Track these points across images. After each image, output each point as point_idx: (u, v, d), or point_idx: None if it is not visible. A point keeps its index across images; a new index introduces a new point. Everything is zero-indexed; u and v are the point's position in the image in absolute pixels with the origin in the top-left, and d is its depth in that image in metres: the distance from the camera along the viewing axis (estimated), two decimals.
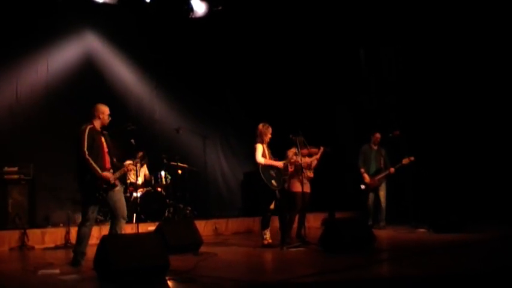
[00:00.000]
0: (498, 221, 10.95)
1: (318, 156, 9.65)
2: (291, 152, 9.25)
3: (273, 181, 8.65)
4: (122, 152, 7.87)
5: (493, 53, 12.05)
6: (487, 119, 12.10)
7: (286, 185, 9.39)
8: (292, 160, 9.07)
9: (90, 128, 7.15)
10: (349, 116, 15.02)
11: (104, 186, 7.06)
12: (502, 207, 11.31)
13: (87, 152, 6.98)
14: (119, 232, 7.18)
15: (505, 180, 11.60)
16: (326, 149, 9.72)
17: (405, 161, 11.22)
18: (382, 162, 11.46)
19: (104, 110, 7.37)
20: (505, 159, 11.79)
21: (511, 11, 11.54)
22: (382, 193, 11.44)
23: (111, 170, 7.24)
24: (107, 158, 7.26)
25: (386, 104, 14.12)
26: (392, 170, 11.29)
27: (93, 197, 7.07)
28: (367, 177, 11.43)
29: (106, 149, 7.29)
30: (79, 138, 7.04)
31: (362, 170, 11.48)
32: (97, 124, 7.30)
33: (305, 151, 9.44)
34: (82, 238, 7.20)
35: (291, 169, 9.33)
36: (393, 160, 11.45)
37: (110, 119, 7.42)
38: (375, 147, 11.63)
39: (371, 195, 11.48)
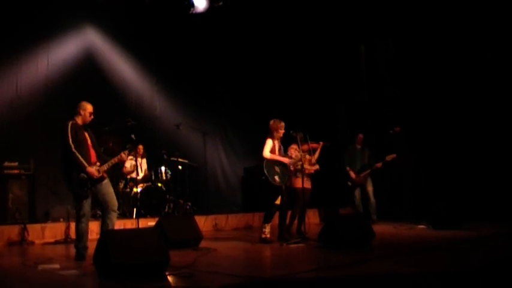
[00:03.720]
0: (497, 218, 10.95)
1: (317, 151, 9.68)
2: (292, 148, 9.26)
3: (276, 177, 8.66)
4: (122, 148, 7.83)
5: (493, 48, 12.04)
6: (485, 115, 12.09)
7: (287, 182, 9.40)
8: (298, 159, 9.09)
9: (72, 124, 7.23)
10: (347, 114, 15.06)
11: (92, 179, 7.11)
12: (501, 204, 11.32)
13: (73, 146, 7.06)
14: (111, 225, 7.19)
15: (504, 177, 11.60)
16: (326, 144, 9.76)
17: (388, 157, 11.53)
18: (366, 160, 11.81)
19: (86, 107, 7.39)
20: (504, 156, 11.78)
21: (508, 4, 11.53)
22: (370, 189, 11.79)
23: (98, 164, 7.27)
24: (92, 152, 7.32)
25: (386, 101, 14.13)
26: (379, 164, 11.59)
27: (82, 192, 7.12)
28: (353, 175, 11.77)
29: (90, 143, 7.35)
30: (63, 133, 7.13)
31: (348, 168, 11.82)
32: (79, 120, 7.35)
33: (305, 147, 9.45)
34: (81, 234, 7.22)
35: (292, 167, 9.34)
36: (384, 158, 11.60)
37: (92, 117, 7.42)
38: (359, 147, 12.00)
39: (357, 192, 11.85)
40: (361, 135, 12.04)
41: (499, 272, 6.00)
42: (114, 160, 7.43)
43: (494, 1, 11.80)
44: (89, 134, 7.40)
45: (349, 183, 11.78)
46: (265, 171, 8.60)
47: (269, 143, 8.81)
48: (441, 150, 12.47)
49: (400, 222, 11.25)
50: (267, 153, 8.73)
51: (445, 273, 5.93)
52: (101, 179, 7.24)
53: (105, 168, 7.32)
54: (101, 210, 7.68)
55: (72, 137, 7.09)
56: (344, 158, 11.98)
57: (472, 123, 12.17)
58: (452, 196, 11.64)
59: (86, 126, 7.42)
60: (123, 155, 7.51)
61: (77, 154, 7.04)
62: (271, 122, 8.92)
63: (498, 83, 11.97)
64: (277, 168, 8.74)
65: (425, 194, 12.40)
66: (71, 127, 7.16)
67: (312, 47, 14.42)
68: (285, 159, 8.84)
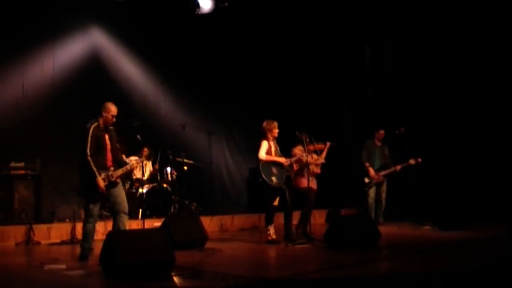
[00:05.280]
0: (503, 218, 10.92)
1: (324, 152, 9.71)
2: (297, 149, 9.28)
3: (273, 178, 8.67)
4: (128, 148, 7.88)
5: (497, 49, 12.01)
6: (492, 114, 12.06)
7: (293, 183, 9.40)
8: (299, 157, 9.09)
9: (94, 127, 7.25)
10: (350, 113, 15.06)
11: (103, 191, 7.16)
12: (507, 204, 11.29)
13: (89, 153, 7.11)
14: (121, 227, 7.22)
15: (510, 177, 11.57)
16: (332, 144, 9.76)
17: (412, 161, 11.24)
18: (386, 159, 11.46)
19: (110, 109, 7.39)
20: (510, 155, 11.74)
21: (508, 4, 11.50)
22: (384, 191, 11.46)
23: (112, 168, 7.32)
24: (109, 156, 7.36)
25: (390, 101, 14.11)
26: (398, 167, 11.29)
27: (91, 195, 7.18)
28: (372, 172, 11.34)
29: (109, 147, 7.38)
30: (84, 137, 7.17)
31: (367, 164, 11.39)
32: (101, 122, 7.37)
33: (311, 147, 9.48)
34: (87, 235, 7.28)
35: (296, 167, 9.32)
36: (397, 157, 11.46)
37: (114, 120, 7.43)
38: (379, 144, 11.61)
39: (373, 190, 11.41)
40: (382, 131, 11.56)
41: (501, 272, 6.00)
42: (128, 167, 7.53)
43: (495, 1, 11.77)
44: (110, 136, 7.43)
45: (367, 180, 11.35)
46: (262, 173, 8.62)
47: (264, 145, 8.82)
48: (446, 149, 12.45)
49: (405, 222, 11.23)
50: (262, 154, 8.74)
51: (448, 272, 5.93)
52: (113, 184, 7.28)
53: (119, 173, 7.37)
54: (111, 212, 7.75)
55: (91, 143, 7.14)
56: (362, 153, 11.53)
57: (477, 122, 12.13)
58: (458, 196, 11.59)
59: (108, 127, 7.43)
60: (134, 163, 7.58)
61: (91, 162, 7.09)
62: (264, 123, 8.95)
63: (500, 82, 11.94)
64: (274, 169, 8.75)
65: (429, 194, 12.37)
66: (92, 131, 7.20)
67: (316, 46, 14.40)
68: (282, 159, 8.85)
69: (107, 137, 7.37)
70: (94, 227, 7.37)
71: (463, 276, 5.78)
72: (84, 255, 7.19)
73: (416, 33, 13.12)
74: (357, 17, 13.66)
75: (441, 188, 12.26)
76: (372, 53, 14.72)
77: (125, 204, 7.36)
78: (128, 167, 7.55)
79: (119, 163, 7.48)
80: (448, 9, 12.29)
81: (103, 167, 7.22)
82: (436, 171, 12.48)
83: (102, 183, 7.13)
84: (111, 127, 7.49)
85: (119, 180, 7.38)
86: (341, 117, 15.30)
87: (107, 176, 7.23)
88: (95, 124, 7.28)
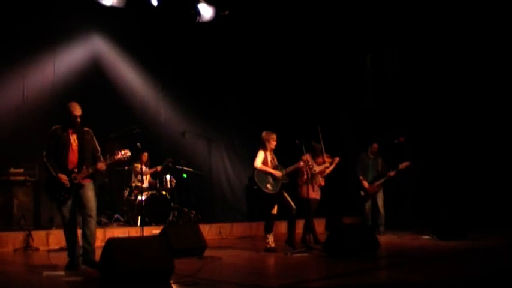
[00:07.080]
0: (502, 228, 10.92)
1: (332, 166, 9.80)
2: (306, 156, 9.32)
3: (268, 185, 8.73)
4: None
5: (498, 57, 12.04)
6: (491, 127, 12.07)
7: (298, 190, 9.53)
8: (296, 167, 9.13)
9: (55, 129, 7.18)
10: (351, 120, 15.08)
11: (66, 185, 6.99)
12: (506, 214, 11.29)
13: (44, 153, 7.08)
14: (87, 231, 6.99)
15: (510, 186, 11.57)
16: (341, 159, 9.88)
17: (402, 166, 11.38)
18: (379, 170, 11.62)
19: (70, 109, 7.16)
20: (510, 165, 11.75)
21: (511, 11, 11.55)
22: (380, 202, 11.58)
23: (75, 170, 7.08)
24: (72, 158, 7.14)
25: (390, 109, 14.13)
26: (392, 173, 11.36)
27: (55, 197, 7.08)
28: (366, 184, 11.53)
29: (74, 148, 7.18)
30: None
31: (361, 178, 11.58)
32: (66, 123, 7.21)
33: (320, 159, 9.56)
34: (67, 241, 7.19)
35: (305, 175, 9.38)
36: (396, 166, 11.49)
37: (78, 120, 7.18)
38: (372, 156, 11.78)
39: (368, 202, 11.58)
40: (375, 145, 11.74)
41: (500, 282, 5.99)
42: (96, 167, 7.18)
43: (495, 10, 11.81)
44: (80, 137, 7.22)
45: (362, 193, 11.52)
46: (257, 181, 8.67)
47: (261, 155, 8.89)
48: (447, 159, 12.45)
49: (404, 232, 11.23)
50: (258, 163, 8.81)
51: (448, 282, 5.92)
52: (78, 186, 7.08)
53: (85, 174, 7.11)
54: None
55: (49, 145, 7.11)
56: (356, 166, 11.73)
57: (476, 131, 12.14)
58: (457, 205, 11.60)
59: (77, 128, 7.24)
60: (102, 164, 7.22)
61: (47, 164, 7.05)
62: (264, 133, 9.03)
63: (501, 90, 11.95)
64: (269, 178, 8.79)
65: (429, 203, 12.36)
66: (51, 134, 7.15)
67: (317, 53, 14.40)
68: (277, 172, 8.85)
69: (73, 138, 7.19)
70: (71, 232, 7.15)
71: (462, 285, 5.77)
72: (70, 264, 7.06)
73: (418, 41, 13.16)
74: (359, 24, 13.68)
75: (440, 197, 12.26)
76: (373, 60, 14.75)
77: (89, 206, 7.09)
78: (97, 167, 7.18)
79: (87, 166, 7.20)
80: (450, 16, 12.31)
81: (63, 169, 7.05)
82: (436, 179, 12.49)
83: (63, 177, 6.97)
84: (86, 128, 7.32)
85: (83, 182, 7.10)
86: (342, 123, 15.31)
87: (71, 178, 7.03)
88: (56, 126, 7.20)
